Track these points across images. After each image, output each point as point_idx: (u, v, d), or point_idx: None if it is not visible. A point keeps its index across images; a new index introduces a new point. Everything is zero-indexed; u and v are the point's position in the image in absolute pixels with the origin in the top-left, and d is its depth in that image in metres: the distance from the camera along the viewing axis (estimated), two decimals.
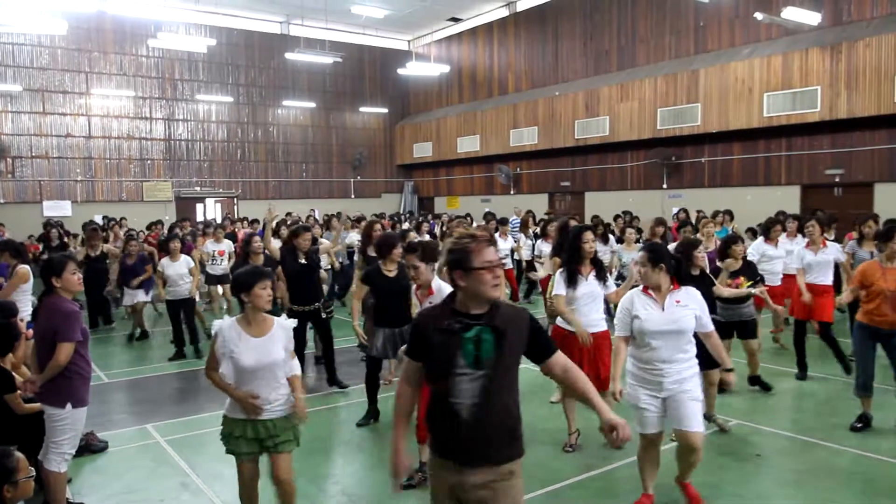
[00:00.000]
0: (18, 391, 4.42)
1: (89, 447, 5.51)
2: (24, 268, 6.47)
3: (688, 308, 4.16)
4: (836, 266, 7.79)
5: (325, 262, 10.12)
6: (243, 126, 24.97)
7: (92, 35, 21.72)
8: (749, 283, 6.45)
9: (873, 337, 5.67)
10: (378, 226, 8.62)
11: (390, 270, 6.09)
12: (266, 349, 3.71)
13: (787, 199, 15.62)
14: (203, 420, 6.45)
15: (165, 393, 7.46)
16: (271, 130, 25.62)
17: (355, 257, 10.80)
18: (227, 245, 11.25)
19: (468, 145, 24.51)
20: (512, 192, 23.58)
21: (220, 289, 11.10)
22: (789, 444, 5.55)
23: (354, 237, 11.93)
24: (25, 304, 6.28)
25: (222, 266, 10.87)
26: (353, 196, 27.13)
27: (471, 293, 2.65)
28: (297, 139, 26.16)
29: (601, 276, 5.33)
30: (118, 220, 16.82)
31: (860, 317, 5.77)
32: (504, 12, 23.77)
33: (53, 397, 4.15)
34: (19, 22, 15.77)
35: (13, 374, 4.58)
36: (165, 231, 16.43)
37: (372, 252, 8.03)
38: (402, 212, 24.76)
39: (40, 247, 15.09)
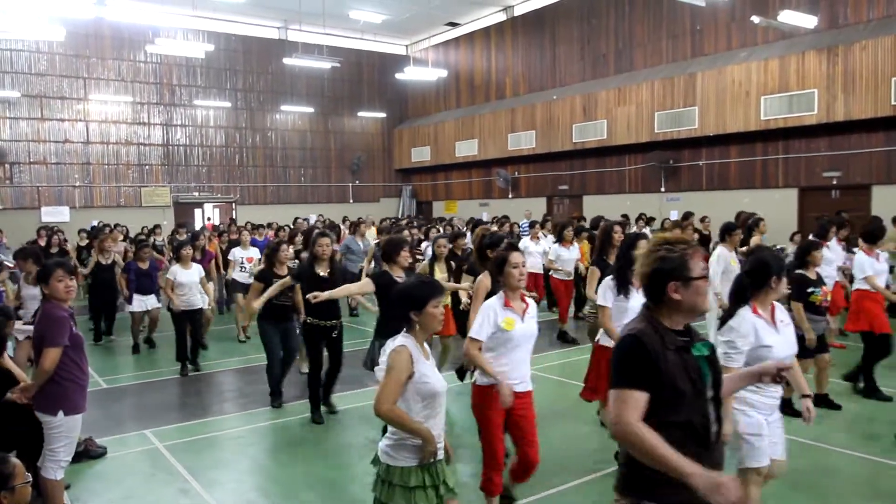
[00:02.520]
0: (14, 395, 4.38)
1: (88, 453, 5.51)
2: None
3: (791, 325, 3.77)
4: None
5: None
6: (241, 131, 24.99)
7: (90, 41, 21.75)
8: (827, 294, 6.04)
9: None
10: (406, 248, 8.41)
11: (399, 276, 5.69)
12: (436, 374, 3.11)
13: (785, 201, 15.65)
14: (202, 426, 6.45)
15: (164, 399, 7.45)
16: (269, 135, 25.64)
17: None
18: (255, 252, 10.63)
19: (466, 149, 24.53)
20: (510, 196, 23.60)
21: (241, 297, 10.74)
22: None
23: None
24: (34, 309, 6.32)
25: (246, 273, 10.26)
26: (351, 200, 27.13)
27: (688, 307, 2.36)
28: (295, 144, 26.18)
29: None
30: (112, 226, 16.74)
31: None
32: (501, 17, 23.82)
33: (45, 404, 4.13)
34: (17, 28, 15.79)
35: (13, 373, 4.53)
36: (164, 237, 16.50)
37: (396, 272, 7.97)
38: (400, 216, 24.76)
39: None
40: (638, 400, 2.25)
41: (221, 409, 7.12)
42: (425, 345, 3.17)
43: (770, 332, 3.58)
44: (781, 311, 3.73)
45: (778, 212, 15.33)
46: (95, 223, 18.82)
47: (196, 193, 24.07)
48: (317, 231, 7.54)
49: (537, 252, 10.55)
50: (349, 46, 26.19)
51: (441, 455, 3.09)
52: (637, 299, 4.59)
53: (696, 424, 2.30)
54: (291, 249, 7.95)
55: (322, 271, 6.38)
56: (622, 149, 19.30)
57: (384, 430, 5.75)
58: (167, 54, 22.14)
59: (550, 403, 6.67)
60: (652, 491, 2.29)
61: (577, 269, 10.01)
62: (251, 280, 10.22)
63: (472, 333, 4.00)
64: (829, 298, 6.19)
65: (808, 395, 3.76)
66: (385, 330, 5.33)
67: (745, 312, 3.61)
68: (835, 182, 15.26)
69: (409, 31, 26.35)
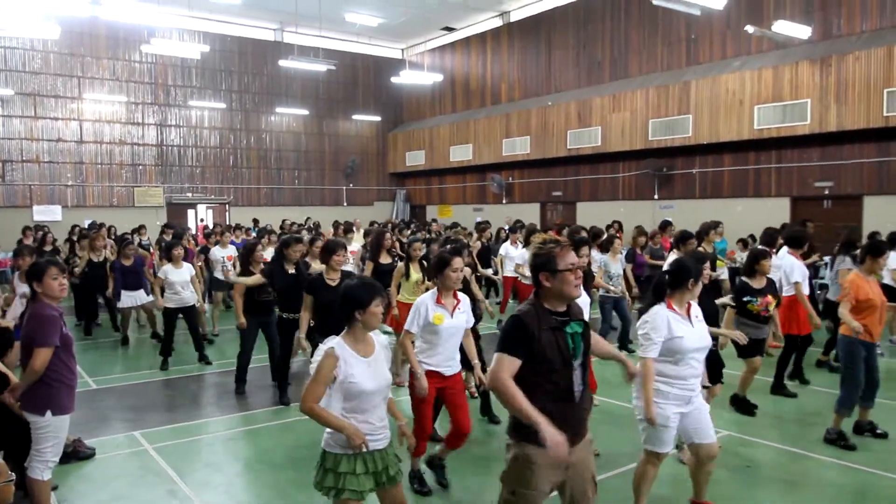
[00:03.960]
0: (3, 396, 4.37)
1: (76, 454, 5.47)
2: None
3: (703, 322, 4.18)
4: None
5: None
6: (236, 132, 24.94)
7: (85, 40, 21.69)
8: (776, 303, 6.37)
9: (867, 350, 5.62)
10: (388, 235, 8.62)
11: (332, 279, 6.16)
12: (378, 371, 3.36)
13: (777, 210, 15.71)
14: (192, 428, 6.42)
15: (154, 400, 7.41)
16: (264, 137, 25.60)
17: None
18: (233, 251, 10.96)
19: (461, 154, 24.55)
20: (504, 202, 23.62)
21: (219, 295, 10.98)
22: (776, 456, 5.56)
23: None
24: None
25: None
26: (345, 204, 27.11)
27: (556, 293, 2.97)
28: (289, 146, 26.15)
29: (588, 288, 5.28)
30: (98, 226, 16.64)
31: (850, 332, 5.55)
32: (497, 22, 23.87)
33: (33, 404, 4.10)
34: (12, 25, 15.73)
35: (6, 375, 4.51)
36: (148, 237, 16.44)
37: (384, 259, 8.11)
38: (394, 220, 24.75)
39: None
40: (512, 363, 2.90)
41: (213, 410, 7.09)
42: (374, 336, 3.43)
43: (683, 326, 4.00)
44: (697, 309, 4.17)
45: (770, 221, 15.29)
46: (88, 222, 18.75)
47: (189, 194, 24.00)
48: (291, 236, 7.91)
49: (517, 257, 10.56)
50: (345, 49, 26.19)
51: (379, 445, 3.35)
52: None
53: (562, 387, 2.94)
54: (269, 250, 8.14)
55: (290, 269, 7.11)
56: (616, 156, 19.36)
57: (485, 410, 6.32)
58: (162, 54, 22.11)
59: None
60: (524, 435, 2.93)
61: None
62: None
63: (405, 326, 4.66)
64: (770, 308, 6.39)
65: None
66: (323, 328, 5.85)
67: (659, 308, 4.05)
68: (827, 192, 15.35)
69: (404, 35, 26.38)
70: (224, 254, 10.87)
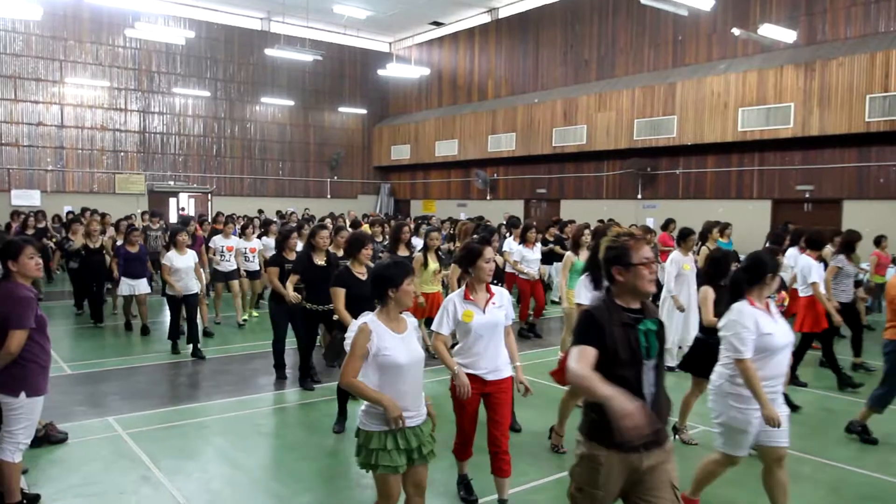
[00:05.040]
0: None
1: (48, 438, 5.39)
2: None
3: (783, 317, 3.97)
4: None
5: None
6: (220, 121, 24.74)
7: (68, 23, 21.40)
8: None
9: None
10: (406, 228, 8.59)
11: (361, 273, 5.87)
12: (412, 346, 3.42)
13: (759, 212, 15.86)
14: (166, 414, 6.36)
15: (128, 385, 7.33)
16: (248, 127, 25.42)
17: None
18: (235, 241, 10.71)
19: (446, 149, 24.53)
20: (489, 198, 23.64)
21: (236, 285, 10.60)
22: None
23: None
24: None
25: (231, 263, 10.45)
26: (329, 196, 27.00)
27: (630, 288, 2.85)
28: (274, 137, 25.99)
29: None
30: (92, 211, 16.51)
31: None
32: (486, 18, 23.86)
33: (7, 385, 4.03)
34: None
35: None
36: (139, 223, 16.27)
37: (402, 252, 8.06)
38: (378, 213, 24.68)
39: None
40: (586, 352, 2.74)
41: (188, 397, 7.03)
42: (406, 317, 3.49)
43: (769, 322, 3.79)
44: (773, 305, 3.94)
45: (751, 223, 15.55)
46: (67, 209, 18.54)
47: (171, 182, 23.78)
48: (317, 224, 7.96)
49: (514, 253, 10.43)
50: (332, 41, 26.07)
51: (414, 422, 3.38)
52: None
53: (632, 387, 2.72)
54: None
55: (319, 260, 6.85)
56: (601, 154, 19.44)
57: None
58: (147, 40, 21.87)
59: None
60: (595, 435, 2.81)
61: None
62: (231, 269, 10.48)
63: (433, 327, 4.28)
64: (785, 304, 6.54)
65: None
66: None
67: (741, 306, 3.82)
68: (807, 195, 15.50)
69: (392, 29, 26.29)
70: (225, 244, 10.53)
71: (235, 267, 10.56)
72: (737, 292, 3.92)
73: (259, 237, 11.67)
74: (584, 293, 5.09)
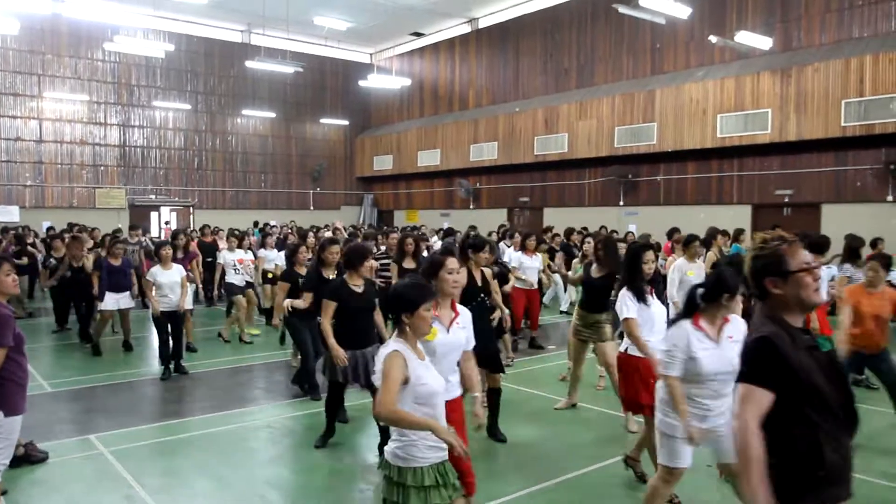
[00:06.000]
0: None
1: (28, 458, 5.31)
2: None
3: (737, 342, 3.52)
4: None
5: None
6: (201, 134, 24.63)
7: (46, 37, 21.24)
8: None
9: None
10: (410, 239, 8.45)
11: (357, 285, 5.67)
12: (436, 374, 3.14)
13: (739, 217, 15.99)
14: (150, 431, 6.28)
15: (110, 403, 7.24)
16: (230, 139, 25.32)
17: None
18: (243, 254, 10.73)
19: (428, 159, 24.57)
20: (471, 207, 23.68)
21: (242, 299, 10.50)
22: None
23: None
24: None
25: (241, 275, 10.46)
26: (311, 208, 26.93)
27: (793, 301, 2.36)
28: (255, 149, 25.90)
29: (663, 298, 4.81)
30: (80, 227, 16.29)
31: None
32: (466, 28, 23.98)
33: None
34: None
35: None
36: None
37: (408, 264, 7.97)
38: (361, 224, 24.64)
39: None
40: (762, 397, 2.26)
41: (173, 413, 6.94)
42: (420, 346, 3.19)
43: (704, 346, 3.61)
44: (735, 328, 3.70)
45: (732, 228, 15.65)
46: (46, 225, 18.34)
47: (153, 196, 23.62)
48: (327, 237, 7.71)
49: (513, 261, 10.41)
50: (313, 52, 26.07)
51: (445, 455, 3.06)
52: (656, 305, 4.75)
53: (843, 422, 2.31)
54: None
55: (330, 275, 6.57)
56: (582, 162, 19.56)
57: (383, 435, 5.38)
58: (126, 53, 21.75)
59: (511, 409, 6.67)
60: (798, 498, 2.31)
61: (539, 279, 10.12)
62: (244, 282, 10.46)
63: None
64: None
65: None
66: (344, 338, 5.52)
67: (683, 323, 3.67)
68: (787, 200, 15.68)
69: (373, 40, 26.35)
70: (234, 257, 10.61)
71: (249, 279, 10.61)
72: (690, 308, 3.74)
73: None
74: (632, 306, 4.80)
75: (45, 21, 21.05)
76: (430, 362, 3.43)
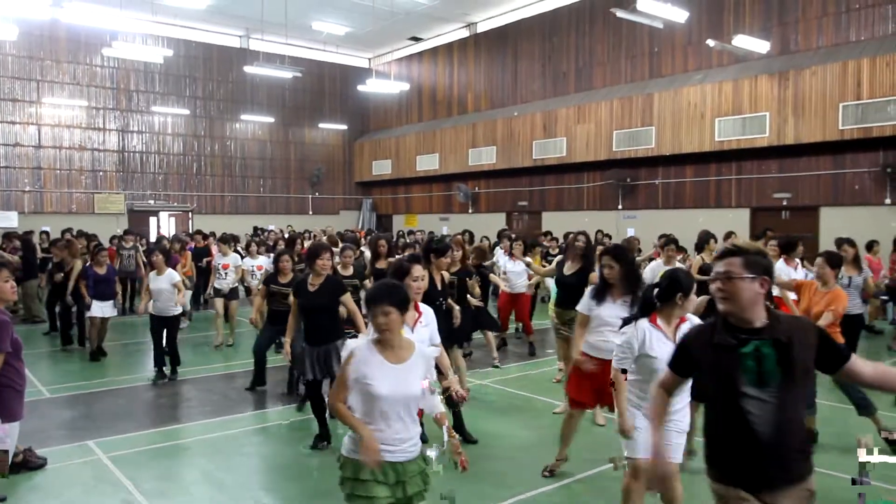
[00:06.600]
0: None
1: (27, 464, 5.31)
2: None
3: None
4: None
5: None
6: (200, 139, 24.63)
7: (44, 42, 21.26)
8: None
9: None
10: (383, 241, 8.54)
11: (314, 284, 5.84)
12: (404, 379, 3.13)
13: (738, 220, 16.01)
14: (147, 436, 6.28)
15: (108, 409, 7.24)
16: (228, 144, 25.33)
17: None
18: (234, 259, 10.81)
19: (427, 163, 24.58)
20: (470, 211, 23.69)
21: (220, 303, 10.61)
22: None
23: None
24: None
25: (227, 280, 10.58)
26: (310, 212, 26.92)
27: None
28: (254, 154, 25.90)
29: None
30: (68, 232, 16.33)
31: None
32: (464, 33, 24.01)
33: None
34: None
35: None
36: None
37: (380, 265, 8.01)
38: (360, 228, 24.65)
39: None
40: (671, 377, 2.82)
41: (170, 418, 6.95)
42: (419, 346, 3.30)
43: (661, 344, 3.74)
44: (689, 328, 3.73)
45: (731, 230, 15.67)
46: (43, 230, 18.31)
47: (152, 202, 23.61)
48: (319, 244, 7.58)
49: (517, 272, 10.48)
50: (311, 58, 26.09)
51: (396, 457, 3.11)
52: (613, 308, 4.77)
53: (734, 420, 2.57)
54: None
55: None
56: (581, 166, 19.56)
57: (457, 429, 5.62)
58: (125, 58, 21.73)
59: (501, 411, 6.67)
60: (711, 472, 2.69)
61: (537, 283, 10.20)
62: (229, 287, 10.60)
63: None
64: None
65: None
66: (306, 335, 5.87)
67: (641, 322, 3.85)
68: (785, 203, 15.69)
69: (371, 45, 26.38)
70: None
71: (233, 285, 10.72)
72: (647, 307, 3.89)
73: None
74: (585, 302, 5.01)
75: (44, 27, 21.05)
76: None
